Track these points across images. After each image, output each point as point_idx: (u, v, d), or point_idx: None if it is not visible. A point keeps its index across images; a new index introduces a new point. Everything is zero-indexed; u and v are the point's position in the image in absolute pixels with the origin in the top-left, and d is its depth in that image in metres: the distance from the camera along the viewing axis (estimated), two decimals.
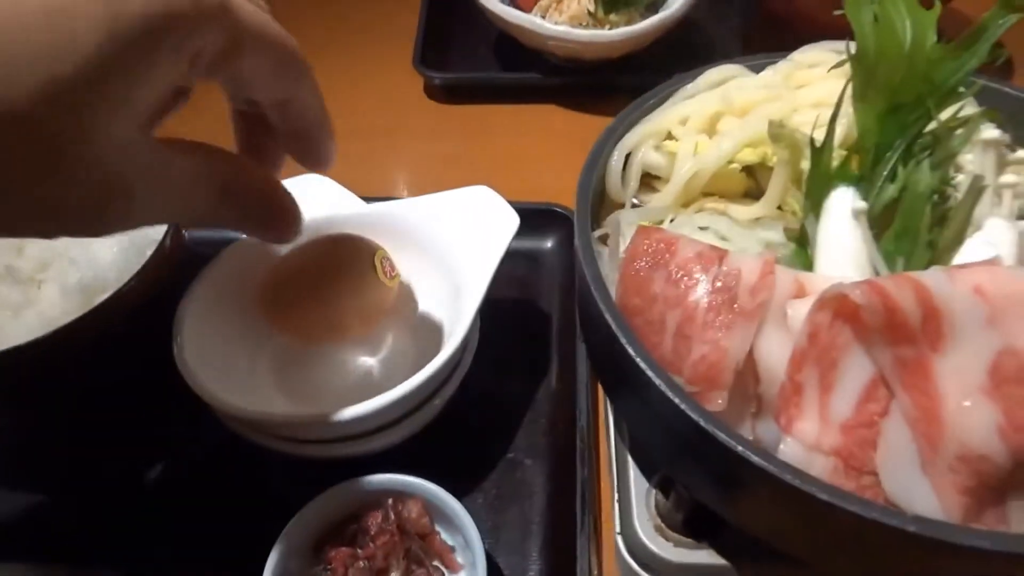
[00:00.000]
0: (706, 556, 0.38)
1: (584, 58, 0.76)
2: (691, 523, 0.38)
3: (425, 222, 0.51)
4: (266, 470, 0.48)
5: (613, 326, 0.34)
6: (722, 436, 0.30)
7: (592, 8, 0.76)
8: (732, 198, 0.44)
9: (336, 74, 0.81)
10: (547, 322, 0.57)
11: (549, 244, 0.62)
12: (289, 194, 0.34)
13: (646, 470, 0.41)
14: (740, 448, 0.30)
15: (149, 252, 0.46)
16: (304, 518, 0.41)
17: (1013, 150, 0.38)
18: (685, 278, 0.34)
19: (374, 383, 0.50)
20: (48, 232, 0.28)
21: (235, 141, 0.36)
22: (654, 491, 0.40)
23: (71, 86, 0.25)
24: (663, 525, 0.39)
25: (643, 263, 0.36)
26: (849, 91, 0.36)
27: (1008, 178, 0.36)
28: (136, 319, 0.45)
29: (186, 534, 0.46)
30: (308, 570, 0.41)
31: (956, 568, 0.30)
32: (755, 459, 0.30)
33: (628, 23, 0.77)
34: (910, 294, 0.30)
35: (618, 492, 0.42)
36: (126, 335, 0.45)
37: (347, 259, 0.45)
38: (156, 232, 0.48)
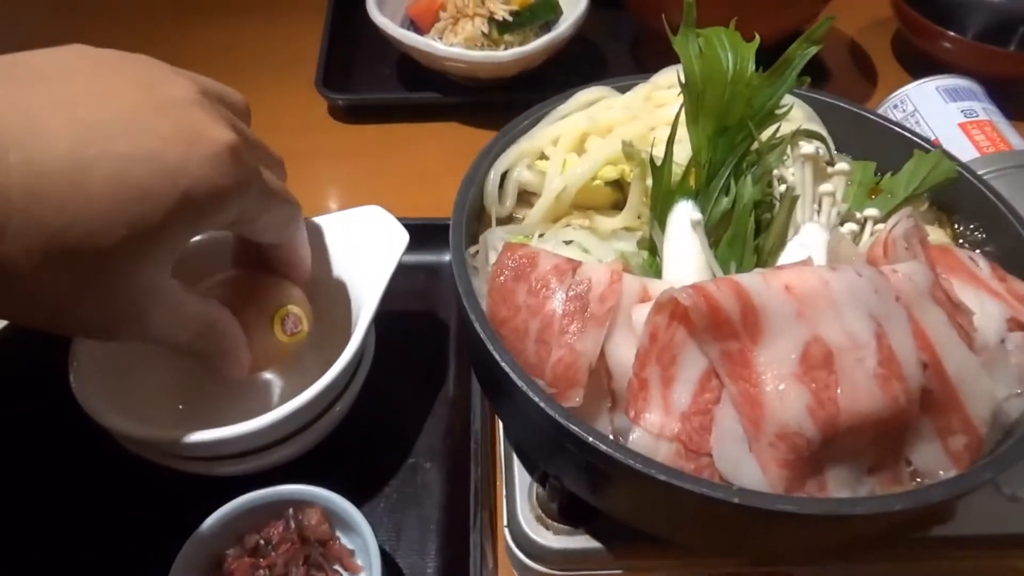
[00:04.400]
0: (583, 541, 0.42)
1: (480, 77, 0.79)
2: (566, 511, 0.41)
3: (320, 242, 0.53)
4: (168, 484, 0.49)
5: (482, 335, 0.38)
6: (575, 428, 0.34)
7: (486, 30, 0.80)
8: (601, 210, 0.48)
9: None
10: (445, 332, 0.60)
11: (447, 257, 0.65)
12: (244, 347, 0.42)
13: (528, 466, 0.44)
14: (591, 439, 0.33)
15: None
16: (203, 534, 0.43)
17: (833, 163, 0.43)
18: (544, 289, 0.38)
19: (276, 398, 0.52)
20: (70, 333, 0.42)
21: (232, 255, 0.46)
22: (535, 485, 0.44)
23: (140, 245, 0.32)
24: (543, 515, 0.42)
25: (507, 276, 0.39)
26: (684, 114, 0.41)
27: (826, 187, 0.41)
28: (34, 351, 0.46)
29: (86, 552, 0.47)
30: None
31: (779, 531, 0.34)
32: (604, 448, 0.33)
33: (523, 43, 0.80)
34: (730, 294, 0.34)
35: (506, 488, 0.45)
36: (23, 359, 0.46)
37: (252, 307, 0.45)
38: None
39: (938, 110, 0.65)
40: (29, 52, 0.34)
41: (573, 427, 0.34)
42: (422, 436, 0.53)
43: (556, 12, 0.83)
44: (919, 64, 0.84)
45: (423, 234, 0.59)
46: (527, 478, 0.44)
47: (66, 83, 0.33)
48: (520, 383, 0.36)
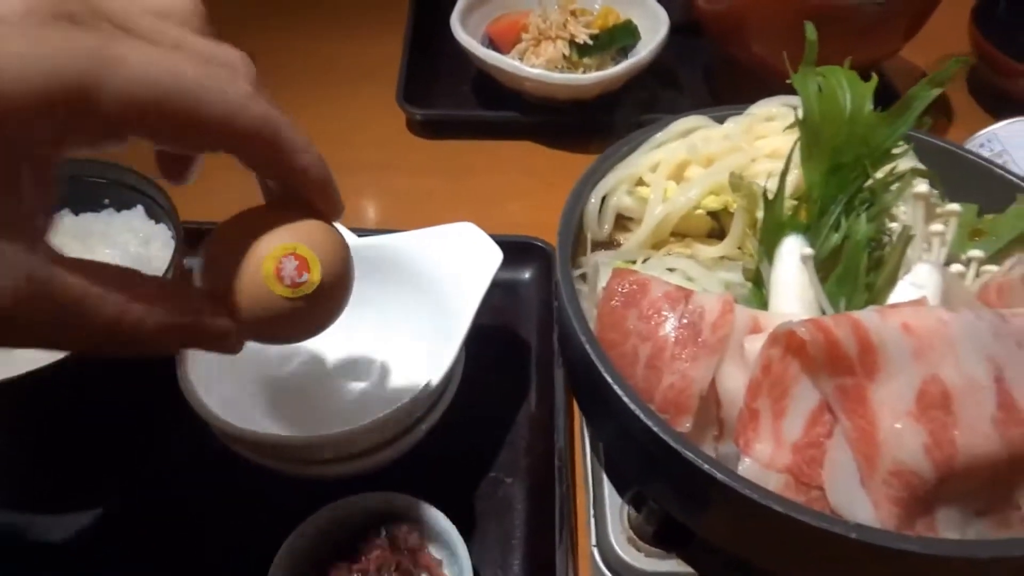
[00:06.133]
0: (674, 566, 0.42)
1: (559, 98, 0.80)
2: (661, 535, 0.42)
3: (414, 256, 0.55)
4: (268, 487, 0.51)
5: (593, 357, 0.38)
6: (690, 455, 0.34)
7: (567, 52, 0.81)
8: (697, 238, 0.49)
9: (323, 110, 0.85)
10: (526, 349, 0.61)
11: (528, 275, 0.66)
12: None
13: (620, 487, 0.45)
14: (706, 466, 0.34)
15: None
16: (304, 533, 0.44)
17: (943, 203, 0.44)
18: (655, 315, 0.38)
19: (363, 409, 0.53)
20: None
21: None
22: (627, 506, 0.44)
23: None
24: (635, 537, 0.43)
25: (618, 302, 0.40)
26: (798, 149, 0.41)
27: (936, 227, 0.41)
28: None
29: (191, 548, 0.48)
30: None
31: (891, 570, 0.34)
32: (719, 475, 0.34)
33: (600, 67, 0.82)
34: (848, 330, 0.35)
35: (594, 508, 0.46)
36: (133, 363, 0.48)
37: (242, 250, 0.31)
38: (160, 263, 0.51)
39: None
40: None
41: (687, 452, 0.34)
42: (504, 452, 0.54)
43: (635, 37, 0.84)
44: (997, 102, 0.84)
45: (503, 252, 0.60)
46: (617, 499, 0.45)
47: None
48: (633, 406, 0.36)
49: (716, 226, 0.49)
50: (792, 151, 0.41)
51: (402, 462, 0.49)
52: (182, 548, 0.48)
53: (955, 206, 0.41)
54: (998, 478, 0.35)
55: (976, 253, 0.43)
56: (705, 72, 0.91)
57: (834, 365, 0.35)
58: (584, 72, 0.81)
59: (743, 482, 0.34)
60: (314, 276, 0.31)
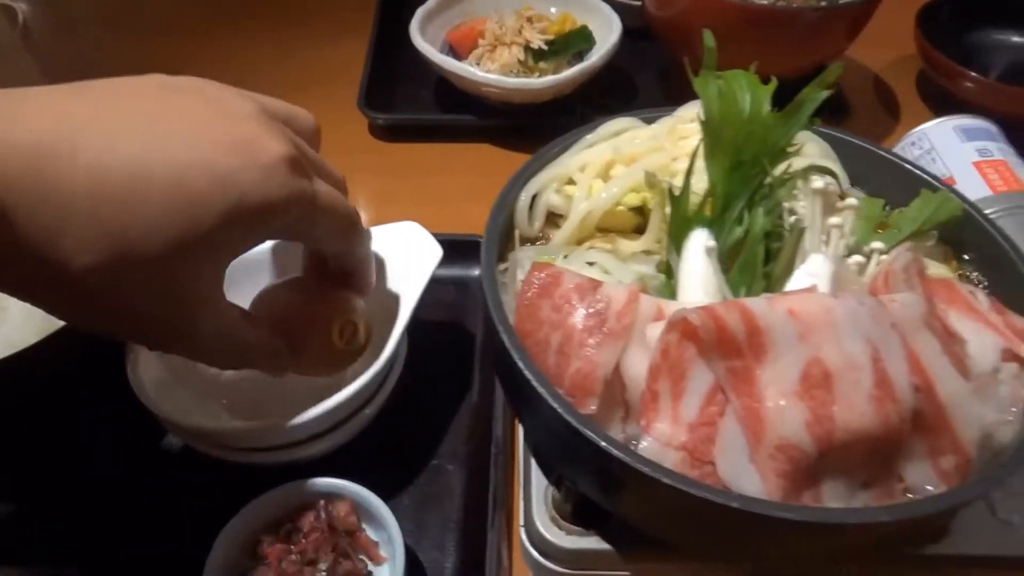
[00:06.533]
0: (594, 543, 0.44)
1: (514, 101, 0.83)
2: (579, 513, 0.44)
3: None
4: (210, 474, 0.53)
5: (508, 345, 0.41)
6: (590, 434, 0.37)
7: (523, 57, 0.84)
8: (623, 233, 0.51)
9: None
10: (471, 342, 0.63)
11: (476, 272, 0.68)
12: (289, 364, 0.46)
13: (545, 469, 0.47)
14: (603, 443, 0.36)
15: None
16: (243, 517, 0.46)
17: (844, 197, 0.46)
18: (565, 305, 0.41)
19: (310, 397, 0.56)
20: (126, 339, 0.48)
21: (303, 263, 0.49)
22: (551, 488, 0.46)
23: (192, 249, 0.35)
24: (558, 517, 0.45)
25: (533, 293, 0.42)
26: (702, 149, 0.44)
27: (834, 220, 0.43)
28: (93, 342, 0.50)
29: (130, 534, 0.51)
30: (247, 563, 0.46)
31: (773, 538, 0.37)
32: (615, 452, 0.36)
33: (556, 71, 0.84)
34: (737, 316, 0.37)
35: (523, 491, 0.48)
36: (84, 356, 0.50)
37: (311, 313, 0.48)
38: None
39: (954, 149, 0.67)
40: (107, 79, 0.37)
41: (587, 431, 0.37)
42: (446, 440, 0.56)
43: (590, 42, 0.87)
44: (942, 102, 0.87)
45: (453, 249, 0.62)
46: (544, 482, 0.47)
47: (136, 100, 0.36)
48: (540, 389, 0.39)
49: (642, 222, 0.52)
50: (696, 150, 0.43)
51: (347, 449, 0.52)
52: (122, 534, 0.51)
53: (852, 200, 0.44)
54: (879, 452, 0.37)
55: (877, 245, 0.46)
56: (660, 74, 0.94)
57: (725, 348, 0.37)
58: (540, 76, 0.83)
59: (637, 457, 0.36)
60: (361, 338, 0.49)
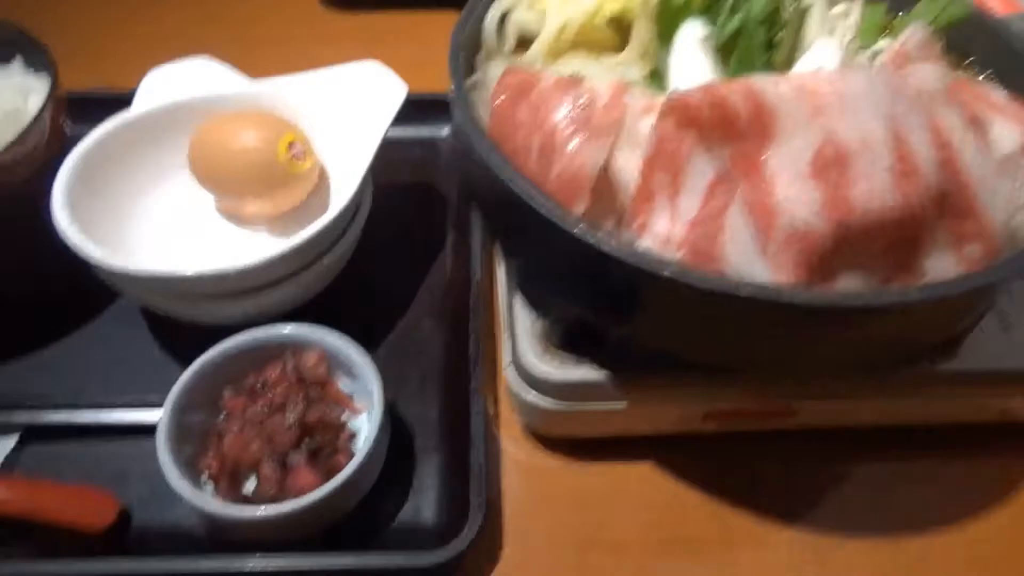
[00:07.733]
0: (584, 373, 0.41)
1: None
2: (569, 338, 0.40)
3: (315, 96, 0.52)
4: (164, 331, 0.49)
5: (484, 155, 0.36)
6: (579, 232, 0.33)
7: None
8: (604, 52, 0.46)
9: None
10: (444, 199, 0.59)
11: (445, 131, 0.63)
12: None
13: (532, 300, 0.43)
14: (591, 240, 0.33)
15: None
16: (198, 372, 0.42)
17: None
18: (545, 105, 0.36)
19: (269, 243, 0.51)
20: None
21: None
22: (539, 322, 0.43)
23: None
24: (549, 346, 0.42)
25: (508, 96, 0.38)
26: None
27: (839, 8, 0.39)
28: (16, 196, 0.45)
29: (83, 391, 0.47)
30: (207, 420, 0.42)
31: (784, 334, 0.34)
32: (605, 248, 0.33)
33: None
34: (742, 94, 0.33)
35: (508, 331, 0.45)
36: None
37: (253, 139, 0.47)
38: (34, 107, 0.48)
39: None
40: None
41: (577, 231, 0.33)
42: (422, 291, 0.53)
43: None
44: None
45: (421, 108, 0.58)
46: (529, 320, 0.44)
47: None
48: (527, 194, 0.34)
49: (623, 40, 0.47)
50: None
51: (315, 306, 0.48)
52: (75, 390, 0.47)
53: None
54: (901, 240, 0.34)
55: (883, 45, 0.42)
56: None
57: (728, 132, 0.33)
58: None
59: (630, 253, 0.32)
60: (311, 155, 0.49)
